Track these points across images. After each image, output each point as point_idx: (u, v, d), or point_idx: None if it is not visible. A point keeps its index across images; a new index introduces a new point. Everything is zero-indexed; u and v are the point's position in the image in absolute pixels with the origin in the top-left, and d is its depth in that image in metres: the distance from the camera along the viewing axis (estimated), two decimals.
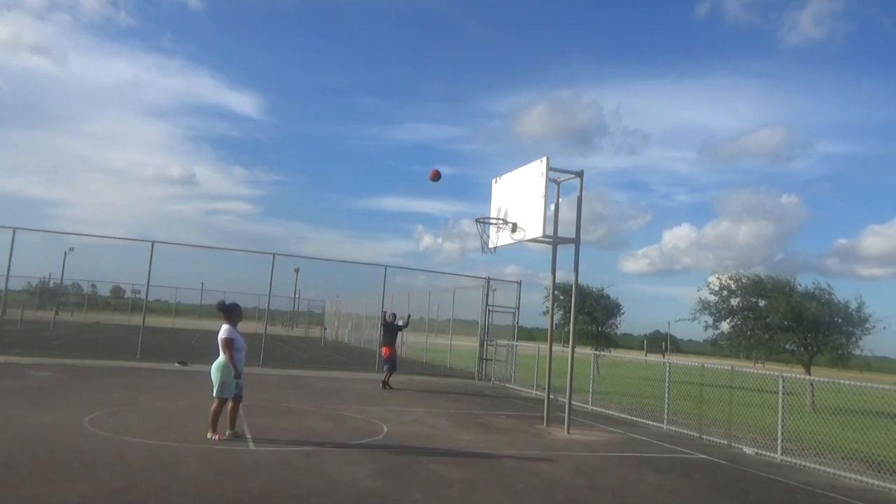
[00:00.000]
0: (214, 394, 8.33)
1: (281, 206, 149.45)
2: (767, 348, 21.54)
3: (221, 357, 8.37)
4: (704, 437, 11.59)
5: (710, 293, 21.89)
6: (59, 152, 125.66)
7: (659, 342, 79.29)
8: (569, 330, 12.35)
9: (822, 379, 12.60)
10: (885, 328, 19.97)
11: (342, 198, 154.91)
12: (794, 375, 12.76)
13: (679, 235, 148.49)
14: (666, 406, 12.56)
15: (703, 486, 7.97)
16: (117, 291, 62.83)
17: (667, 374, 13.00)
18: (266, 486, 6.21)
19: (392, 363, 16.12)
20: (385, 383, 15.69)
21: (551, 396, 11.98)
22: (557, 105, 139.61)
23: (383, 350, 16.41)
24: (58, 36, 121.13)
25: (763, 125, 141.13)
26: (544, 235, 11.02)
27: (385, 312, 17.50)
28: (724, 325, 22.02)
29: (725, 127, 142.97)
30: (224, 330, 8.48)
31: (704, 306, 21.90)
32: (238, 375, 8.40)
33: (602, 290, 29.02)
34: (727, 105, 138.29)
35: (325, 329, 44.18)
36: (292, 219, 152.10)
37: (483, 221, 12.29)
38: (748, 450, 10.53)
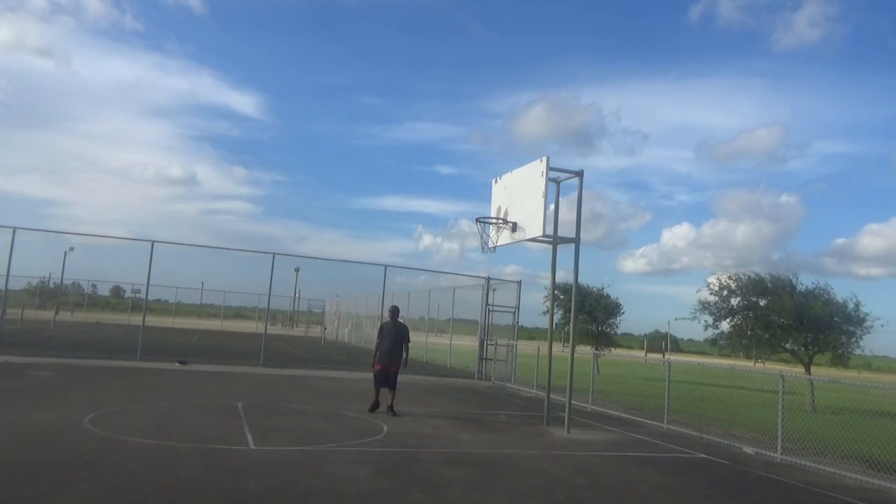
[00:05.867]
0: None
1: (281, 205, 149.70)
2: (768, 347, 21.52)
3: None
4: (704, 436, 11.58)
5: (710, 293, 21.87)
6: (60, 152, 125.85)
7: (659, 342, 79.36)
8: (569, 330, 12.36)
9: (821, 378, 12.61)
10: (882, 326, 19.98)
11: (342, 198, 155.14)
12: (794, 375, 12.76)
13: (678, 235, 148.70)
14: (666, 405, 12.54)
15: (703, 485, 7.97)
16: (117, 291, 62.83)
17: (667, 373, 12.98)
18: (266, 486, 6.21)
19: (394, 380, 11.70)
20: (390, 407, 11.35)
21: (551, 396, 11.97)
22: (557, 105, 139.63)
23: (381, 363, 11.69)
24: (60, 37, 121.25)
25: (762, 125, 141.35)
26: (544, 235, 11.02)
27: (395, 307, 12.41)
28: (724, 325, 22.00)
29: (724, 127, 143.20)
30: None
31: (704, 306, 21.87)
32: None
33: (602, 289, 29.07)
34: (726, 105, 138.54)
35: (325, 329, 44.20)
36: (292, 218, 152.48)
37: (483, 221, 12.29)
38: (748, 449, 10.53)
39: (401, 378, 11.90)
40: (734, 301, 21.62)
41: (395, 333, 11.77)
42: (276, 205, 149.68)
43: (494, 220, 12.14)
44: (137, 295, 45.84)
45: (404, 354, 11.81)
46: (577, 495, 6.94)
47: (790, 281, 21.01)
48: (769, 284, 20.99)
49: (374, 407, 11.36)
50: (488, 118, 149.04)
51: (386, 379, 11.55)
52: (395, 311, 12.19)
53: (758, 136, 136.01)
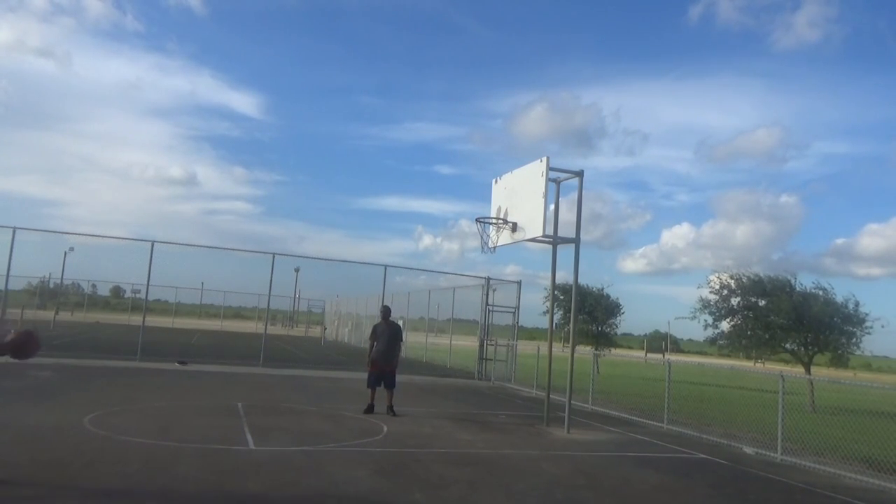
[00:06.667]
0: None
1: (281, 205, 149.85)
2: (768, 348, 21.51)
3: None
4: (704, 436, 11.58)
5: (711, 292, 21.86)
6: (60, 152, 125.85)
7: (659, 342, 79.35)
8: (569, 330, 12.36)
9: (821, 378, 12.60)
10: (883, 327, 19.96)
11: (342, 198, 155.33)
12: (793, 375, 12.75)
13: (678, 235, 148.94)
14: (666, 405, 12.53)
15: (703, 485, 7.96)
16: (117, 291, 62.74)
17: (667, 373, 12.98)
18: (266, 486, 6.21)
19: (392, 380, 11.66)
20: (389, 408, 11.30)
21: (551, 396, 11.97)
22: (557, 105, 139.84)
23: (376, 364, 11.61)
24: (61, 38, 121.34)
25: (762, 125, 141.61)
26: (544, 235, 11.02)
27: (387, 307, 12.39)
28: (724, 325, 21.99)
29: (724, 127, 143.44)
30: None
31: (705, 305, 21.85)
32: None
33: (602, 289, 29.08)
34: (726, 105, 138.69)
35: (325, 329, 44.20)
36: (292, 219, 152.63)
37: (483, 221, 12.29)
38: (748, 449, 10.52)
39: (400, 378, 11.93)
40: (734, 301, 21.62)
41: (389, 333, 11.72)
42: (276, 205, 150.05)
43: (494, 221, 12.14)
44: (137, 295, 45.76)
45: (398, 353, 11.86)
46: (577, 495, 6.95)
47: (789, 282, 21.02)
48: (767, 286, 20.98)
49: (370, 409, 11.26)
50: (488, 118, 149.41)
51: (382, 379, 11.50)
52: (386, 310, 12.15)
53: (757, 137, 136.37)
